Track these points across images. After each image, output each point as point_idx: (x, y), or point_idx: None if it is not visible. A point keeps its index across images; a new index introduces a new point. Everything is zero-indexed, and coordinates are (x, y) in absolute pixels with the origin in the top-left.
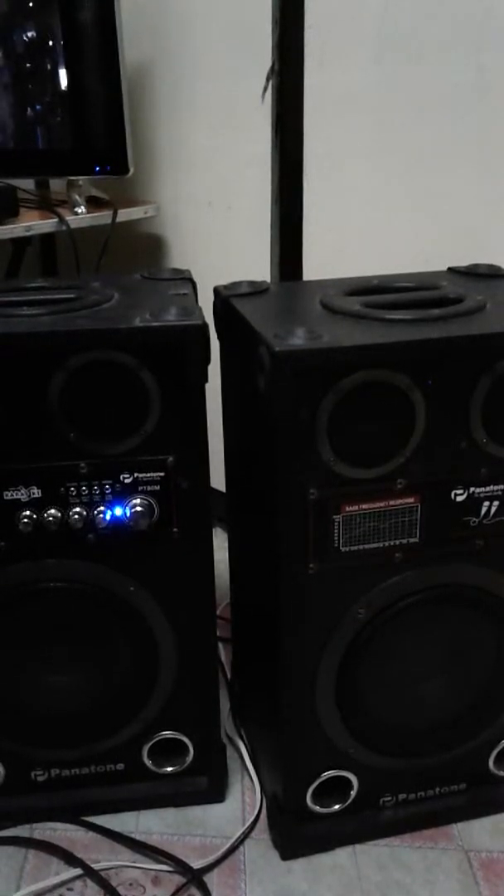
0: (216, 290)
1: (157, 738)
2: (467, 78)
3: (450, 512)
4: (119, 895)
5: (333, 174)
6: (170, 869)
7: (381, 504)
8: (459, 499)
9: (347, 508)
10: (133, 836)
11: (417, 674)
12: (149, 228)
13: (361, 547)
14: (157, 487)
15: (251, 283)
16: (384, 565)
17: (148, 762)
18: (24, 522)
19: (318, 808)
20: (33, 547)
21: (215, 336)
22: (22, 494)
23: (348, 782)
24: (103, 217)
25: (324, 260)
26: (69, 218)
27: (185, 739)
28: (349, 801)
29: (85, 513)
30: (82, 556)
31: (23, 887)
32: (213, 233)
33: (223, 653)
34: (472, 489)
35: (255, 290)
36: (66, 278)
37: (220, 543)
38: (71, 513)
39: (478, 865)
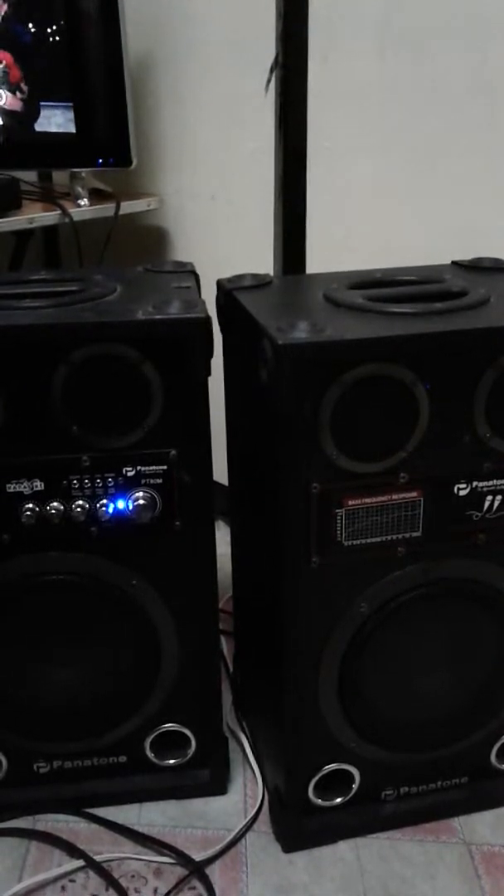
0: (219, 284)
1: (159, 731)
2: (471, 71)
3: (452, 506)
4: (121, 887)
5: (337, 167)
6: (171, 861)
7: (384, 498)
8: (462, 493)
9: (350, 502)
10: (135, 828)
11: (419, 668)
12: (152, 221)
13: (364, 541)
14: (160, 481)
15: (254, 276)
16: (386, 559)
17: (150, 755)
18: (27, 515)
19: (319, 801)
20: (36, 540)
21: (218, 329)
22: (24, 487)
23: (350, 775)
24: (106, 209)
25: (327, 253)
26: (72, 210)
27: (188, 732)
28: (351, 794)
29: (87, 506)
30: (85, 549)
31: (25, 878)
32: (216, 226)
33: (225, 646)
34: (474, 484)
35: (258, 284)
36: (68, 271)
37: (223, 537)
38: (73, 506)
39: (479, 859)
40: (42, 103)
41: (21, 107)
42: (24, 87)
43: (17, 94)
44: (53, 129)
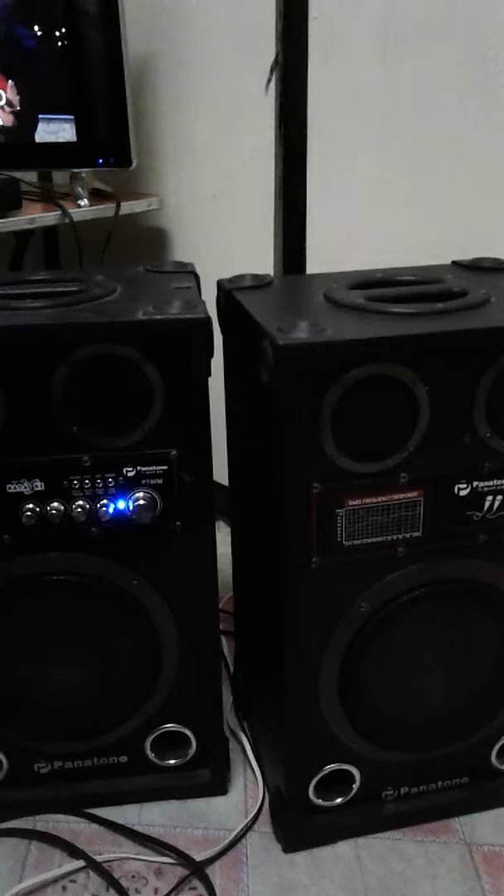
0: (219, 284)
1: (159, 731)
2: (472, 71)
3: (453, 506)
4: (121, 887)
5: (337, 167)
6: (172, 861)
7: (384, 498)
8: (462, 493)
9: (350, 502)
10: (136, 828)
11: (420, 668)
12: (152, 221)
13: (364, 541)
14: (160, 481)
15: (254, 276)
16: (387, 559)
17: (151, 755)
18: (28, 515)
19: (320, 802)
20: (36, 540)
21: (218, 330)
22: (25, 487)
23: (351, 776)
24: (106, 210)
25: (327, 253)
26: (72, 210)
27: (188, 732)
28: (351, 794)
29: (88, 506)
30: (85, 550)
31: (26, 879)
32: (217, 226)
33: (226, 646)
34: (475, 484)
35: (259, 284)
36: (69, 271)
37: (223, 537)
38: (74, 506)
39: (480, 859)
40: (41, 116)
41: (13, 121)
42: (11, 98)
43: (7, 108)
44: (55, 140)
